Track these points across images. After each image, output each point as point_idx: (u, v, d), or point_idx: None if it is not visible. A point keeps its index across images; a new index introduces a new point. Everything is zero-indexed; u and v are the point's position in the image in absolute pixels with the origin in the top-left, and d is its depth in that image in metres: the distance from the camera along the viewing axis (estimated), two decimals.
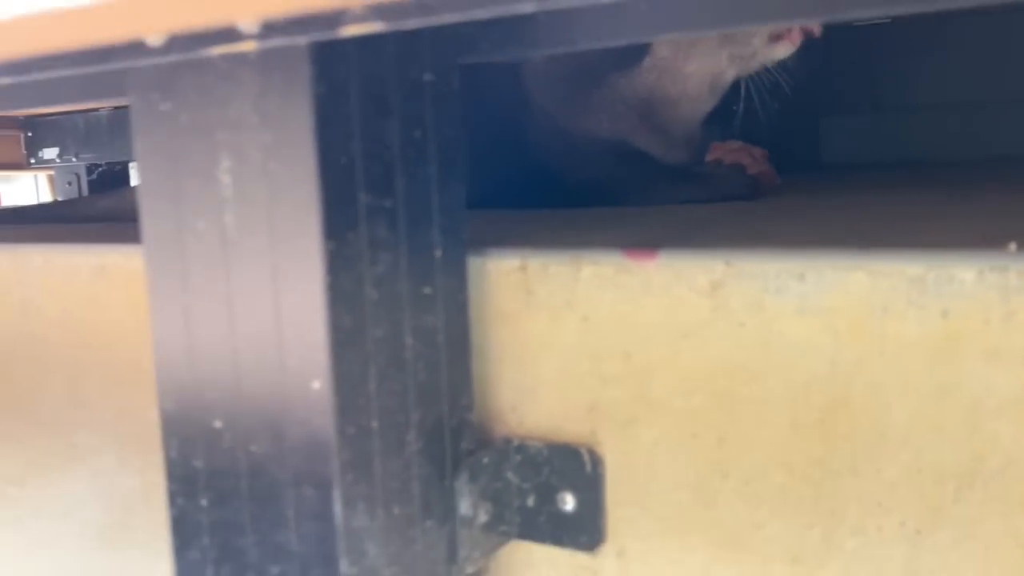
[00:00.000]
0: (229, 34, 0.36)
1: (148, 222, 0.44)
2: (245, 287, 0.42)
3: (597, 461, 0.51)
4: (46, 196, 2.20)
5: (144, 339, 0.71)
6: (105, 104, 1.55)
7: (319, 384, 0.40)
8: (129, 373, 0.73)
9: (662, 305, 0.48)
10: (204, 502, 0.45)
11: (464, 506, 0.49)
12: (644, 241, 0.50)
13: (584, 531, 0.52)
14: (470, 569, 0.51)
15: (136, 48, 0.37)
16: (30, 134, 1.80)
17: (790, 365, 0.45)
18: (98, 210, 1.08)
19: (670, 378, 0.48)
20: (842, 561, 0.45)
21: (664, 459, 0.49)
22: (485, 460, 0.51)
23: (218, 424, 0.44)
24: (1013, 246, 0.42)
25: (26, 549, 0.85)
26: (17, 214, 1.30)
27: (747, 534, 0.47)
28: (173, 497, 0.46)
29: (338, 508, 0.41)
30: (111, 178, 1.76)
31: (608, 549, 0.52)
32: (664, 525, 0.50)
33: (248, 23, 0.35)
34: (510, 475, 0.53)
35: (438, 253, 0.47)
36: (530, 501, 0.53)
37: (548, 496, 0.52)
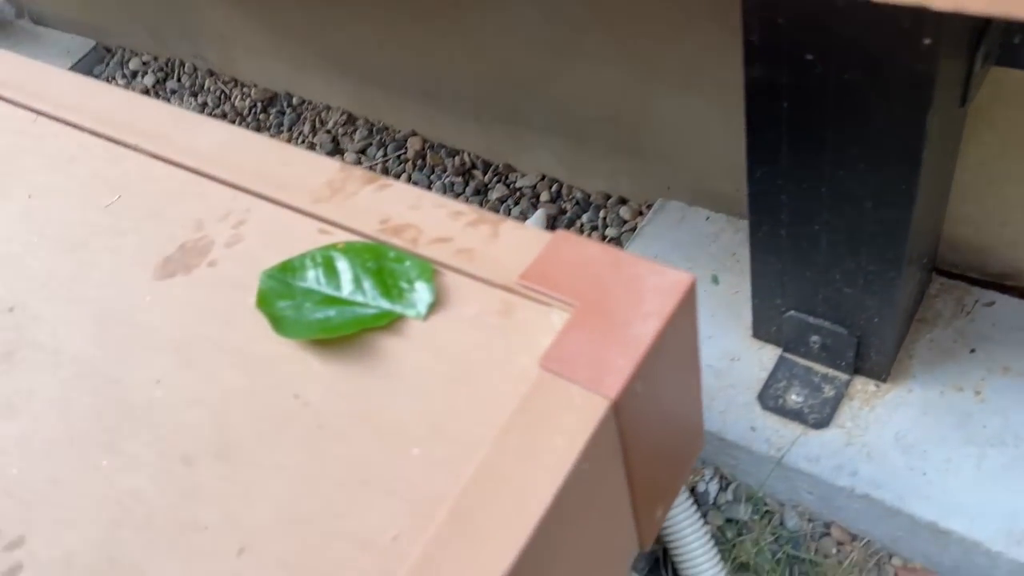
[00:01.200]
0: None
1: None
2: None
3: None
4: None
5: None
6: None
7: (929, 40, 0.50)
8: None
9: None
10: (785, 104, 0.59)
11: (976, 66, 0.60)
12: None
13: None
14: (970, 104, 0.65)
15: None
16: None
17: None
18: None
19: None
20: None
21: None
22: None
23: (809, 56, 0.55)
24: None
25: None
26: None
27: None
28: (752, 96, 0.60)
29: (930, 118, 0.54)
30: None
31: None
32: None
33: None
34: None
35: None
36: (1016, 39, 0.62)
37: None
